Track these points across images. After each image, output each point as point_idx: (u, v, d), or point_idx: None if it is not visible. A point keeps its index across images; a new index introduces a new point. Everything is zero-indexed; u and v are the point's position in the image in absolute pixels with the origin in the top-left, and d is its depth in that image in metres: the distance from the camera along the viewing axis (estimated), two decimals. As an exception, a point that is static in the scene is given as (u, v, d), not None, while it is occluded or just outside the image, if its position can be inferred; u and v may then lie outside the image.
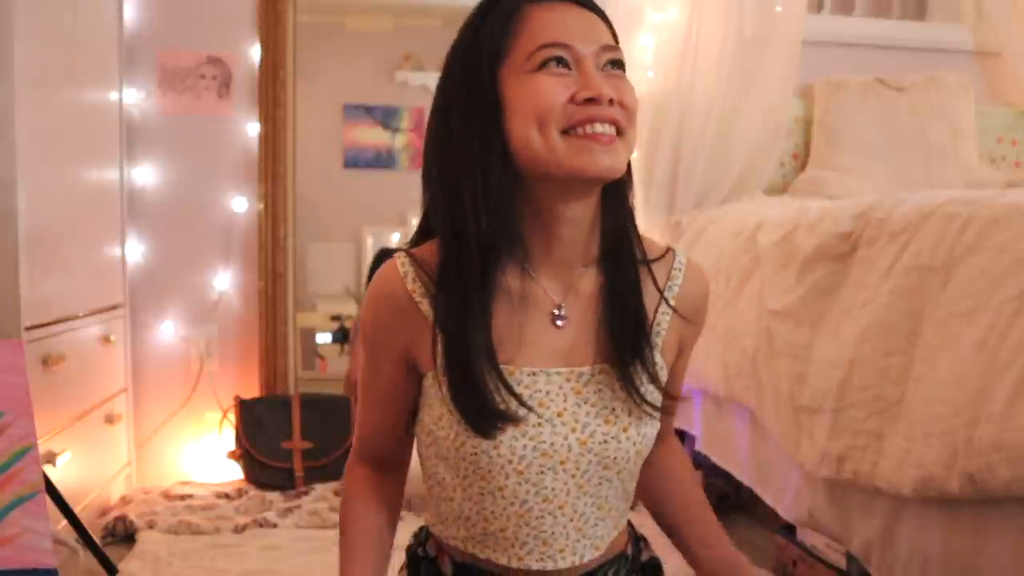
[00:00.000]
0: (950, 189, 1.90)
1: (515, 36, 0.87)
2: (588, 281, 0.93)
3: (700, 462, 2.44)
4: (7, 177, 1.82)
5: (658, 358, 0.94)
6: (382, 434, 0.99)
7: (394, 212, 4.27)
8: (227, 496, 2.54)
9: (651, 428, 0.93)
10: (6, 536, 1.46)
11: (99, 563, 1.84)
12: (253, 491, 2.57)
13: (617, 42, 0.90)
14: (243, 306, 2.87)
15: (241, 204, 2.85)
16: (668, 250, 0.99)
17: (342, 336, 3.93)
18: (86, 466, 2.21)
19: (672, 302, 0.96)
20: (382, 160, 4.19)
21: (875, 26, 3.17)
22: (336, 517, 2.34)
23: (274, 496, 2.52)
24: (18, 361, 1.50)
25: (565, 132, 0.85)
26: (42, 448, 1.75)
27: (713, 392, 2.17)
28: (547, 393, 0.89)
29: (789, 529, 1.92)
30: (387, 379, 0.95)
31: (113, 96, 2.58)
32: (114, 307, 2.53)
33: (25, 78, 1.86)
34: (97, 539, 1.91)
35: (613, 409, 0.91)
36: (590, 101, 0.84)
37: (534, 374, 0.89)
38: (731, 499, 2.41)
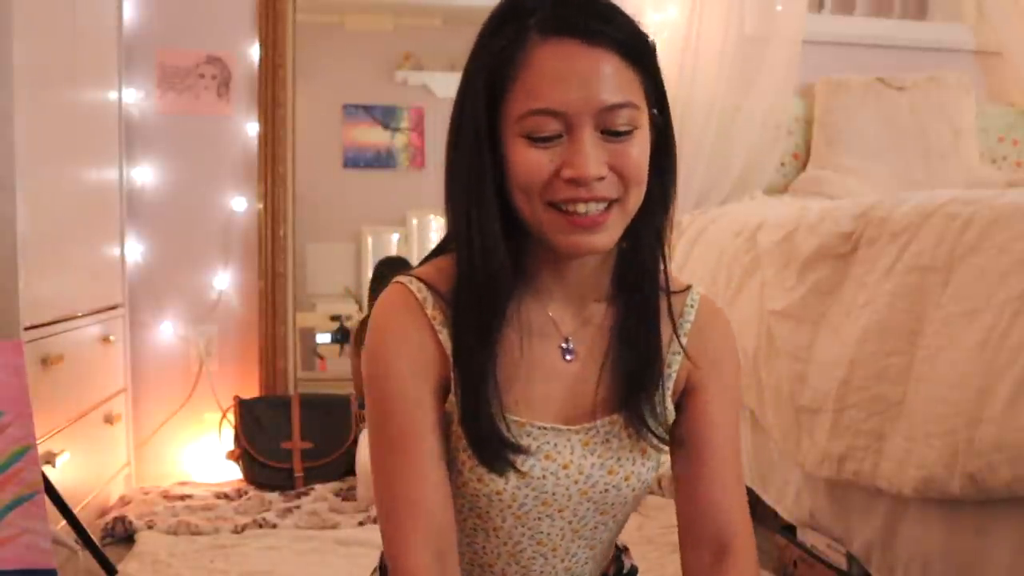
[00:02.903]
0: (951, 189, 1.90)
1: (515, 78, 0.79)
2: (602, 313, 0.89)
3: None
4: (6, 177, 1.81)
5: (669, 404, 0.90)
6: (443, 493, 0.84)
7: (394, 212, 4.26)
8: (226, 496, 2.54)
9: (650, 471, 0.91)
10: (5, 536, 1.46)
11: (98, 564, 1.83)
12: (252, 491, 2.57)
13: (641, 63, 0.82)
14: (243, 306, 2.87)
15: (240, 204, 2.85)
16: (688, 287, 0.93)
17: (342, 336, 3.92)
18: (85, 466, 2.20)
19: (684, 340, 0.90)
20: (382, 160, 4.18)
21: (876, 25, 3.17)
22: (336, 517, 2.35)
23: (273, 496, 2.51)
24: (17, 361, 1.50)
25: (551, 203, 0.79)
26: (41, 448, 1.75)
27: (713, 392, 2.17)
28: (555, 445, 0.87)
29: (790, 529, 1.92)
30: (434, 414, 0.85)
31: (112, 96, 2.58)
32: (113, 307, 2.52)
33: (24, 78, 1.85)
34: (96, 539, 1.90)
35: (618, 459, 0.89)
36: (575, 180, 0.77)
37: (544, 429, 0.87)
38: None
